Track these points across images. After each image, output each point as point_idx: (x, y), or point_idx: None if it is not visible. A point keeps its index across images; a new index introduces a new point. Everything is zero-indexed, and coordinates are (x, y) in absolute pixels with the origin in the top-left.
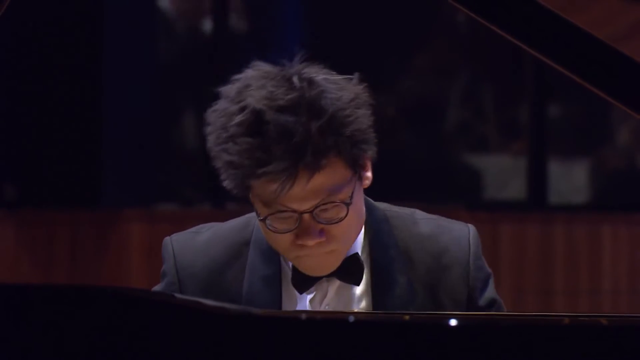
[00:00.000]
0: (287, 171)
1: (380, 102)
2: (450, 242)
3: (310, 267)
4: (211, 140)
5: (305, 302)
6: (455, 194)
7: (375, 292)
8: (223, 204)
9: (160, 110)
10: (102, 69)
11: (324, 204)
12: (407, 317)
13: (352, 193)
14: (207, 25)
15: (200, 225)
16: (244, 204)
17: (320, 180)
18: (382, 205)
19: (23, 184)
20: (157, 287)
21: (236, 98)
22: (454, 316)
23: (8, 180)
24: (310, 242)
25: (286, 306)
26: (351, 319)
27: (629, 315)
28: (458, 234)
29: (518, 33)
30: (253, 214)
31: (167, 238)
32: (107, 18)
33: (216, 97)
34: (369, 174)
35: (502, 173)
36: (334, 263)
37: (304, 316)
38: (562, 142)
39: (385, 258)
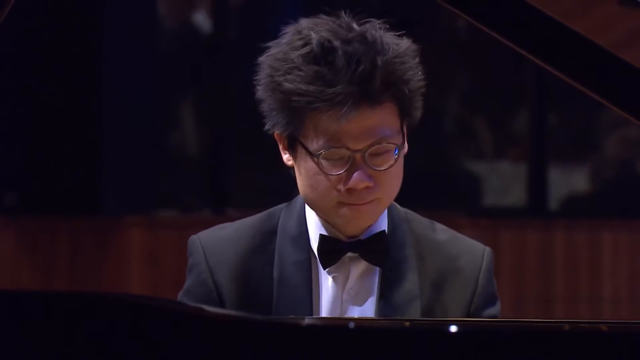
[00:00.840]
0: (353, 96)
1: None
2: (465, 251)
3: (351, 215)
4: (265, 79)
5: (328, 283)
6: (456, 200)
7: (384, 285)
8: (223, 210)
9: (160, 117)
10: (102, 75)
11: (378, 144)
12: (407, 323)
13: (402, 142)
14: (207, 33)
15: (222, 224)
16: (244, 210)
17: (377, 119)
18: (403, 208)
19: (23, 191)
20: (187, 283)
21: (295, 37)
22: (454, 323)
23: (9, 187)
24: (360, 185)
25: (315, 289)
26: (351, 325)
27: (629, 321)
28: (474, 246)
29: (518, 39)
30: (275, 207)
31: (193, 235)
32: (107, 26)
33: (216, 104)
34: (406, 145)
35: (502, 180)
36: (374, 214)
37: (304, 322)
38: (562, 148)
39: (399, 254)
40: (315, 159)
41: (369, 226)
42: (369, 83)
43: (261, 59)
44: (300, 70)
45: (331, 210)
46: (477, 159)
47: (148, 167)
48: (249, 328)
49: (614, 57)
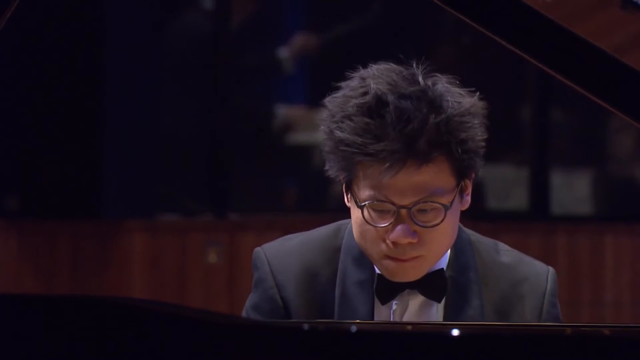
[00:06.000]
0: (397, 153)
1: None
2: (529, 274)
3: (394, 269)
4: (325, 123)
5: (389, 311)
6: None
7: (448, 309)
8: (225, 215)
9: (163, 121)
10: (104, 78)
11: (423, 202)
12: (409, 327)
13: (452, 201)
14: (210, 37)
15: (288, 235)
16: (246, 215)
17: (426, 176)
18: (467, 230)
19: (25, 195)
20: (252, 296)
21: (358, 84)
22: (455, 326)
23: (10, 190)
24: (403, 240)
25: (377, 310)
26: (353, 329)
27: (632, 325)
28: (538, 269)
29: (520, 42)
30: (342, 221)
31: (258, 248)
32: (109, 29)
33: (218, 109)
34: (469, 197)
35: (504, 183)
36: (419, 271)
37: (306, 326)
38: (564, 152)
39: (463, 278)
40: (361, 210)
41: None
42: (415, 142)
43: (326, 99)
44: (351, 120)
45: (377, 261)
46: None
47: (150, 171)
48: (251, 332)
49: (617, 61)
